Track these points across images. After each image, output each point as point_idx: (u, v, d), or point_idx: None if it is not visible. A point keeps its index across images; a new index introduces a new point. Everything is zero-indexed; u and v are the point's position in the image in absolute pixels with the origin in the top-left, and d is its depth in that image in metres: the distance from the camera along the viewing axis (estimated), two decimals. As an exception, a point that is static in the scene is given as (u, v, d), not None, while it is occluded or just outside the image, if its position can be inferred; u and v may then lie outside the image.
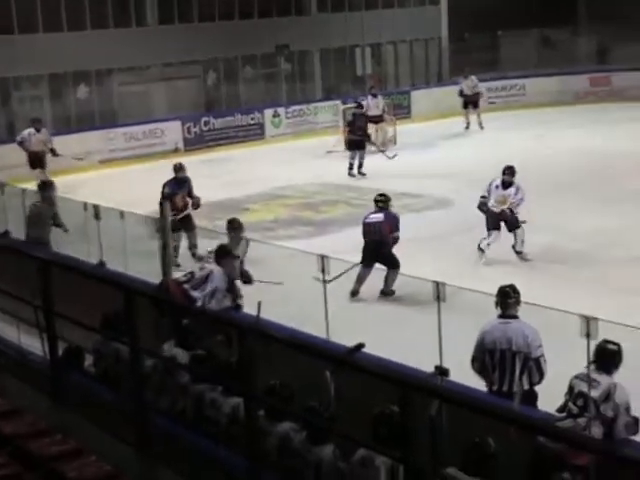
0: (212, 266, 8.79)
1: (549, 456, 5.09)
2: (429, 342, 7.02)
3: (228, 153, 22.81)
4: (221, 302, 8.60)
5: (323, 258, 8.21)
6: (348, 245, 12.70)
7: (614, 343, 6.24)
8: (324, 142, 22.53)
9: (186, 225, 12.89)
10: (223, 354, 6.36)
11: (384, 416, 5.00)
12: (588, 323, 5.91)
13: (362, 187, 17.83)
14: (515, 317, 7.16)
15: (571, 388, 6.42)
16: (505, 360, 6.99)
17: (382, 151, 19.42)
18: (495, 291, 7.33)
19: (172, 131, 23.14)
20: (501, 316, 7.18)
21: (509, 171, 12.59)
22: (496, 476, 4.90)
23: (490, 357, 7.07)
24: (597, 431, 6.14)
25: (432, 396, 4.26)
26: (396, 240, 11.45)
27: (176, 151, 22.80)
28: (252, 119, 24.68)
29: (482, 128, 24.12)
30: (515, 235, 12.39)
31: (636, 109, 24.94)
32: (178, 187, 13.03)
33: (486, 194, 12.59)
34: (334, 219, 15.55)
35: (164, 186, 12.99)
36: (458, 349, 7.09)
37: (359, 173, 18.65)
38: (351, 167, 18.66)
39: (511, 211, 12.42)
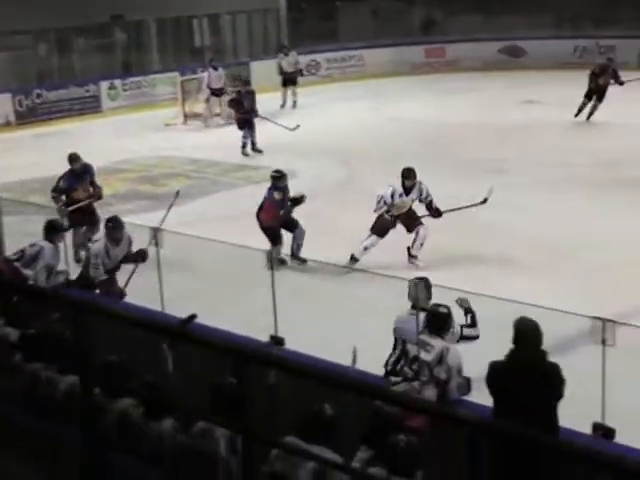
0: (42, 243, 8.58)
1: (386, 419, 5.21)
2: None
3: (63, 126, 22.15)
4: (55, 279, 8.43)
5: (156, 230, 8.25)
6: (188, 217, 12.62)
7: (445, 306, 6.45)
8: (163, 115, 22.26)
9: (89, 219, 11.62)
10: (58, 332, 6.21)
11: (221, 387, 5.01)
12: (416, 287, 6.09)
13: (200, 160, 17.71)
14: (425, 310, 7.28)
15: (406, 353, 6.62)
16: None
17: (281, 125, 18.70)
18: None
19: (1, 104, 22.17)
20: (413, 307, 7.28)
21: (408, 173, 10.90)
22: (334, 442, 4.98)
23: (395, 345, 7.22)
24: (431, 393, 6.34)
25: (266, 365, 4.30)
26: (287, 212, 11.14)
27: (7, 125, 22.00)
28: (87, 91, 24.00)
29: (295, 107, 23.40)
30: (417, 235, 11.03)
31: (469, 79, 25.72)
32: (76, 180, 11.67)
33: (384, 206, 10.96)
34: (174, 192, 15.33)
35: (59, 180, 11.66)
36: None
37: (253, 150, 18.15)
38: (244, 146, 18.02)
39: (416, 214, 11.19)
